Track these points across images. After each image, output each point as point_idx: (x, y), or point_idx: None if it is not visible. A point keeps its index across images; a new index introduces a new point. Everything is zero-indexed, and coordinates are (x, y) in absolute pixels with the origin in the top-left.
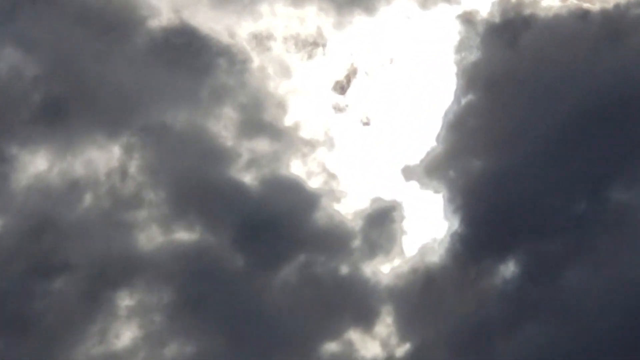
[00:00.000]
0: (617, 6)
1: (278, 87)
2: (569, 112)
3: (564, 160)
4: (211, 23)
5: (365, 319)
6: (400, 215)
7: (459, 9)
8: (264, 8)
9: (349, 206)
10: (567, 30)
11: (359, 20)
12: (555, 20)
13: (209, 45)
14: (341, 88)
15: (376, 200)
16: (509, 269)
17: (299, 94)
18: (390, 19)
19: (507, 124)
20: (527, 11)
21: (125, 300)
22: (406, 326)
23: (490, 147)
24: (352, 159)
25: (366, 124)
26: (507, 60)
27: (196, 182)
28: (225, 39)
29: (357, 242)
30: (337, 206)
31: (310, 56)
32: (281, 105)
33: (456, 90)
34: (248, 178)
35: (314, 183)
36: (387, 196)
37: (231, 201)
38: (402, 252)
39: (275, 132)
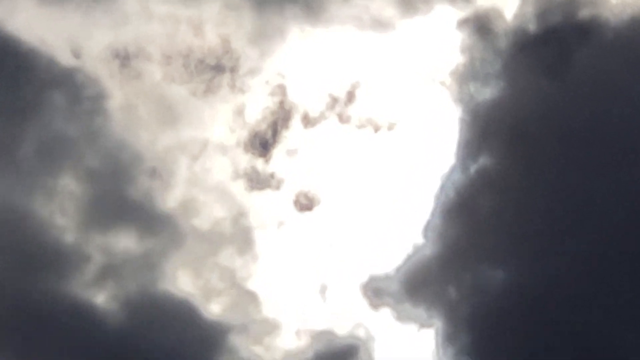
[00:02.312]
0: None
1: (156, 140)
2: None
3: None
4: (41, 32)
5: None
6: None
7: (466, 10)
8: (130, 6)
9: (277, 347)
10: None
11: (294, 31)
12: (634, 25)
13: (37, 68)
14: (262, 145)
15: (323, 336)
16: None
17: (192, 153)
18: (346, 26)
19: (543, 210)
20: (585, 13)
21: None
22: None
23: (515, 246)
24: (282, 267)
25: (305, 207)
26: (549, 98)
27: (11, 303)
28: (64, 58)
29: None
30: (257, 348)
31: (209, 88)
32: (161, 174)
33: (459, 150)
34: (102, 298)
35: (216, 307)
36: (342, 329)
37: (72, 335)
38: None
39: (149, 219)
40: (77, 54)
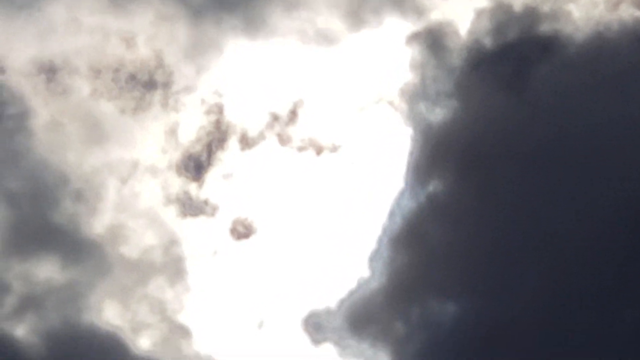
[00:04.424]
0: None
1: (83, 160)
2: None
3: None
4: None
5: None
6: None
7: (417, 24)
8: (58, 15)
9: None
10: (621, 58)
11: (232, 44)
12: (597, 41)
13: None
14: (196, 168)
15: None
16: None
17: (120, 175)
18: (288, 40)
19: (497, 239)
20: (545, 27)
21: None
22: None
23: (468, 279)
24: (217, 299)
25: (242, 235)
26: (505, 117)
27: None
28: None
29: None
30: None
31: (140, 106)
32: (87, 197)
33: (408, 174)
34: (21, 330)
35: (145, 342)
36: None
37: None
38: None
39: (73, 246)
40: (0, 69)
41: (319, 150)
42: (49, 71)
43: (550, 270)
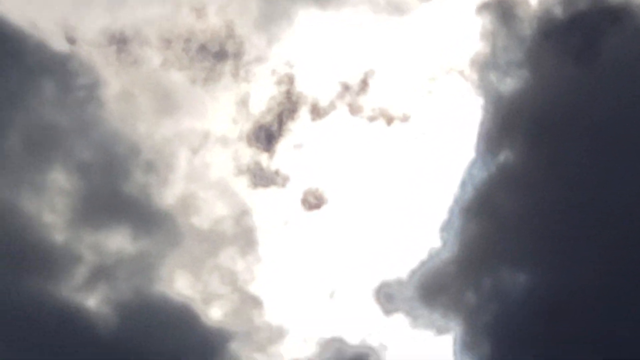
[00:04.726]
0: None
1: (153, 131)
2: None
3: None
4: (31, 14)
5: None
6: None
7: None
8: None
9: (282, 356)
10: None
11: (303, 15)
12: None
13: (25, 54)
14: (267, 138)
15: (332, 344)
16: None
17: (191, 145)
18: (359, 10)
19: (568, 209)
20: None
21: None
22: None
23: (539, 248)
24: (288, 270)
25: (313, 206)
26: (576, 88)
27: None
28: (57, 43)
29: None
30: (260, 356)
31: (211, 76)
32: (158, 168)
33: (479, 144)
34: (93, 301)
35: (216, 312)
36: (352, 337)
37: (60, 342)
38: None
39: (144, 217)
40: (71, 40)
41: (390, 120)
42: (120, 42)
43: (621, 240)
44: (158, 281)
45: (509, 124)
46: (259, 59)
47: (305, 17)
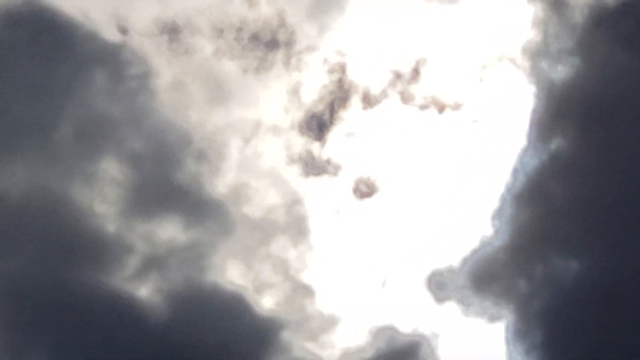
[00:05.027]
0: None
1: (205, 120)
2: None
3: None
4: (83, 4)
5: None
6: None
7: None
8: None
9: (334, 345)
10: None
11: (354, 3)
12: None
13: (77, 44)
14: (319, 127)
15: (384, 333)
16: None
17: (243, 134)
18: (411, 1)
19: (621, 196)
20: None
21: None
22: None
23: (591, 235)
24: (340, 258)
25: (365, 194)
26: (628, 75)
27: (48, 297)
28: (108, 33)
29: None
30: (312, 345)
31: (262, 65)
32: (210, 157)
33: (531, 132)
34: (145, 291)
35: (268, 301)
36: (404, 325)
37: (112, 331)
38: None
39: (196, 206)
40: (123, 30)
41: (441, 108)
42: (172, 31)
43: None
44: (210, 270)
45: (560, 111)
46: (310, 48)
47: (356, 5)
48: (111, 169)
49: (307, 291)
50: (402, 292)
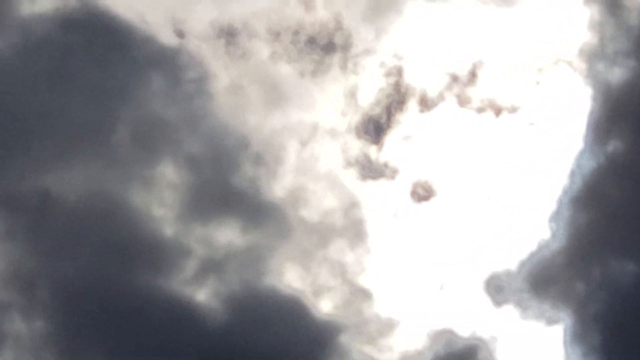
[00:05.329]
0: None
1: (262, 124)
2: None
3: None
4: (140, 7)
5: None
6: None
7: None
8: None
9: (392, 348)
10: None
11: (411, 6)
12: None
13: (135, 48)
14: (376, 130)
15: (442, 336)
16: None
17: (300, 137)
18: (467, 1)
19: None
20: None
21: None
22: None
23: None
24: (397, 261)
25: (423, 197)
26: None
27: (106, 301)
28: (166, 36)
29: None
30: (370, 349)
31: (319, 68)
32: (267, 161)
33: (588, 134)
34: (203, 295)
35: (326, 305)
36: (463, 329)
37: (170, 335)
38: None
39: (254, 209)
40: (180, 33)
41: (498, 111)
42: (228, 34)
43: None
44: (268, 274)
45: (617, 113)
46: (367, 51)
47: (413, 9)
48: (169, 173)
49: (365, 295)
50: (460, 296)
